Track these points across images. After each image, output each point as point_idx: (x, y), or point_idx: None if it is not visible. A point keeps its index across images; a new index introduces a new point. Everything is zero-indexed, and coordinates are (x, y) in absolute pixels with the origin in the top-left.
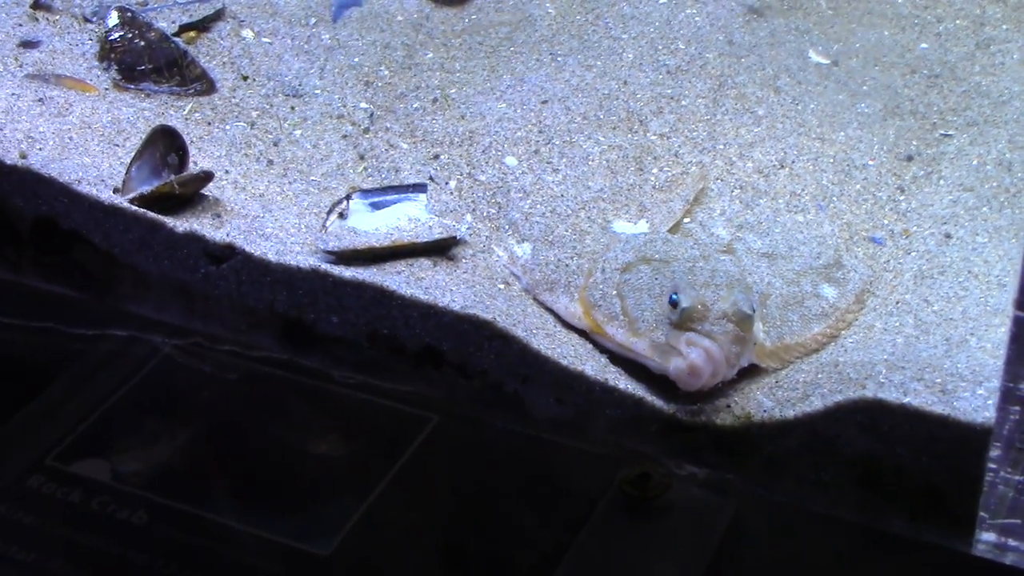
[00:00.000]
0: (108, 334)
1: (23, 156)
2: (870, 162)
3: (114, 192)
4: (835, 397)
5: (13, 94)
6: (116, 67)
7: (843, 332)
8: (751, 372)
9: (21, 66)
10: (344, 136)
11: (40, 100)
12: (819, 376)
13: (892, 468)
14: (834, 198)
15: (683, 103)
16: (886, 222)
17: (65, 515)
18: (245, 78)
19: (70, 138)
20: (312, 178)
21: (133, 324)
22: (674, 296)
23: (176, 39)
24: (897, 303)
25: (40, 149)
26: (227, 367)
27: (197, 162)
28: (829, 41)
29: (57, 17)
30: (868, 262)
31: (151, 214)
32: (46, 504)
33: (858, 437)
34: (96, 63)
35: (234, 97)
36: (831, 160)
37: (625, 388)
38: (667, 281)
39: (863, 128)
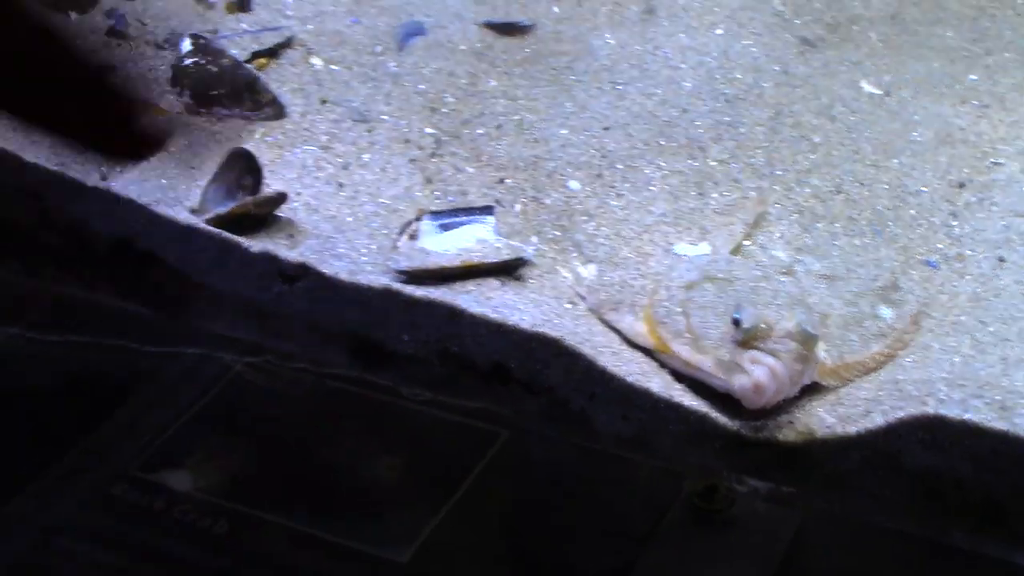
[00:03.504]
0: (184, 351)
1: (103, 178)
2: (923, 188)
3: (191, 213)
4: (896, 414)
5: None
6: (189, 92)
7: (901, 352)
8: (813, 390)
9: None
10: (412, 160)
11: None
12: (880, 393)
13: (953, 483)
14: (889, 223)
15: (741, 130)
16: (940, 246)
17: (149, 523)
18: (324, 101)
19: (147, 161)
20: (381, 200)
21: (207, 342)
22: (736, 315)
23: (248, 65)
24: (953, 324)
25: (119, 171)
26: (299, 384)
27: (270, 184)
28: (881, 72)
29: (131, 43)
30: (924, 285)
31: (226, 234)
32: (131, 512)
33: (920, 452)
34: (169, 88)
35: (304, 122)
36: (886, 186)
37: (690, 405)
38: (731, 300)
39: (916, 156)
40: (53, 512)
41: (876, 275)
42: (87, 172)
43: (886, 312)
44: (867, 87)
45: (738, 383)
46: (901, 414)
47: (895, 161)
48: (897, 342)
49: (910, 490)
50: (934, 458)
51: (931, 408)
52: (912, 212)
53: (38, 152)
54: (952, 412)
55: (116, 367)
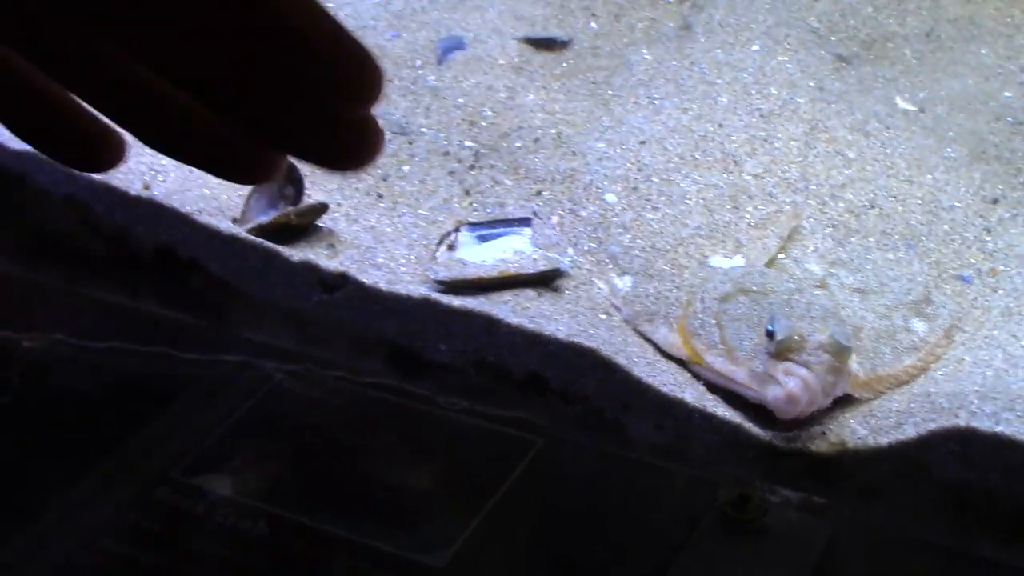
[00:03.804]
0: (225, 359)
1: (147, 187)
2: (957, 204)
3: (232, 222)
4: (928, 425)
5: None
6: None
7: (933, 365)
8: (845, 402)
9: None
10: (450, 173)
11: None
12: (912, 405)
13: (984, 494)
14: (923, 237)
15: (776, 145)
16: (973, 261)
17: (191, 524)
18: None
19: (191, 171)
20: (420, 212)
21: (247, 349)
22: (770, 327)
23: None
24: (985, 338)
25: (163, 181)
26: (338, 392)
27: (311, 195)
28: (915, 89)
29: None
30: (956, 299)
31: (268, 243)
32: (173, 514)
33: (951, 464)
34: None
35: None
36: (919, 201)
37: (723, 415)
38: (765, 312)
39: (950, 172)
40: (97, 514)
41: (909, 289)
42: (130, 181)
43: (919, 326)
44: (901, 103)
45: (771, 394)
46: (933, 426)
47: (929, 177)
48: (930, 355)
49: (941, 501)
50: (965, 470)
51: (963, 420)
52: (946, 227)
53: None
54: (983, 424)
55: (158, 374)
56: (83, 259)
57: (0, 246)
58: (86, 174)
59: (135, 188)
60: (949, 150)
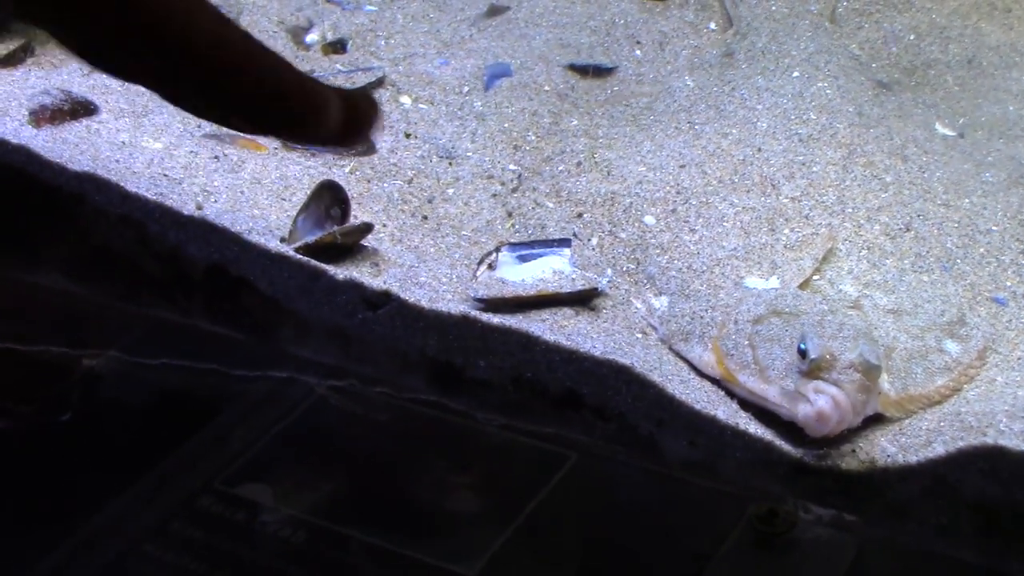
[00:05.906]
0: (271, 374)
1: (199, 208)
2: (994, 227)
3: (281, 241)
4: (957, 444)
5: (192, 152)
6: None
7: (965, 386)
8: (876, 420)
9: (199, 127)
10: (494, 195)
11: (216, 157)
12: (941, 424)
13: (1012, 513)
14: (958, 260)
15: (814, 169)
16: (1009, 284)
17: (232, 532)
18: (408, 135)
19: (242, 192)
20: (463, 233)
21: (293, 365)
22: (802, 346)
23: None
24: (1019, 359)
25: (215, 201)
26: (379, 406)
27: (357, 215)
28: (955, 115)
29: None
30: (991, 321)
31: (314, 262)
32: (215, 521)
33: (979, 482)
34: None
35: (392, 157)
36: (956, 225)
37: (755, 432)
38: (797, 333)
39: (987, 196)
40: (142, 520)
41: (943, 310)
42: (183, 202)
43: (952, 346)
44: (941, 128)
45: (802, 412)
46: (962, 444)
47: (966, 201)
48: (962, 376)
49: (969, 519)
50: (993, 488)
51: (991, 439)
52: (982, 250)
53: (139, 181)
54: (1011, 443)
55: (206, 388)
56: (138, 277)
57: (59, 264)
58: (142, 194)
59: (188, 208)
60: (987, 175)
